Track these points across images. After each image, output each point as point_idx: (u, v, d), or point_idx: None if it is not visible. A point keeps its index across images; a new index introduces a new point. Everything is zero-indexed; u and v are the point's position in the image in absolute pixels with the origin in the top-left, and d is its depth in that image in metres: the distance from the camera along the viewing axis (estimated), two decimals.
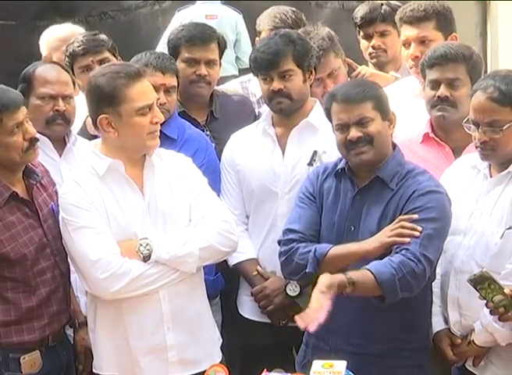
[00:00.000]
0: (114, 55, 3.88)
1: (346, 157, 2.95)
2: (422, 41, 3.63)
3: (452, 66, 3.18)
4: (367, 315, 2.89)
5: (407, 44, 3.68)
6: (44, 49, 4.30)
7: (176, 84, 3.49)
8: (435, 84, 3.20)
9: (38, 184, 3.01)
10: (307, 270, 2.90)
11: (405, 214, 2.84)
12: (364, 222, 2.90)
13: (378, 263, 2.78)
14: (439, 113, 3.20)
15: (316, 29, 3.67)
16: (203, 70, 3.64)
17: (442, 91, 3.18)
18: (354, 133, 2.88)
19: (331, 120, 2.98)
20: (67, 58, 3.84)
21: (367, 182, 2.93)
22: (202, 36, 3.68)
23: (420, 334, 2.97)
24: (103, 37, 3.91)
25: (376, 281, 2.74)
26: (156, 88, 3.28)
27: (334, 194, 2.97)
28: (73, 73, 3.74)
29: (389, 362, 2.90)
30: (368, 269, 2.76)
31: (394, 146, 3.00)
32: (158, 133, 2.94)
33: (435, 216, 2.84)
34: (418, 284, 2.81)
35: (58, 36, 4.26)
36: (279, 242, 3.02)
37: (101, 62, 3.79)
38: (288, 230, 2.99)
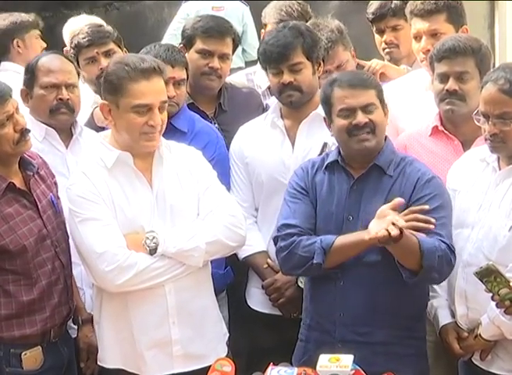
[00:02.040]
0: (119, 47, 3.87)
1: (345, 143, 2.93)
2: (433, 34, 3.61)
3: (461, 59, 3.15)
4: (375, 304, 2.88)
5: (418, 37, 3.65)
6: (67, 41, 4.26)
7: (185, 77, 3.46)
8: (443, 78, 3.18)
9: (36, 176, 2.99)
10: (314, 261, 2.86)
11: (414, 203, 2.83)
12: (363, 211, 2.89)
13: (422, 235, 2.78)
14: (448, 107, 3.18)
15: (326, 21, 3.66)
16: (216, 63, 3.62)
17: (451, 84, 3.16)
18: (362, 118, 2.88)
19: (329, 106, 2.95)
20: (72, 50, 3.83)
21: (364, 171, 2.92)
22: (219, 29, 3.66)
23: (422, 323, 2.98)
24: (108, 28, 3.91)
25: (419, 245, 2.73)
26: (165, 81, 3.26)
27: (328, 187, 2.96)
28: (78, 65, 3.73)
29: (396, 350, 2.89)
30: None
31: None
32: (155, 136, 2.89)
33: (443, 203, 2.87)
34: (448, 272, 2.84)
35: (73, 29, 4.26)
36: (276, 238, 2.98)
37: (106, 53, 3.79)
38: (284, 226, 2.95)
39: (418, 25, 3.65)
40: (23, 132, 2.89)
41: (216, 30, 3.64)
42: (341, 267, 2.89)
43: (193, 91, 3.60)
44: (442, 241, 2.79)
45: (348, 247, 2.85)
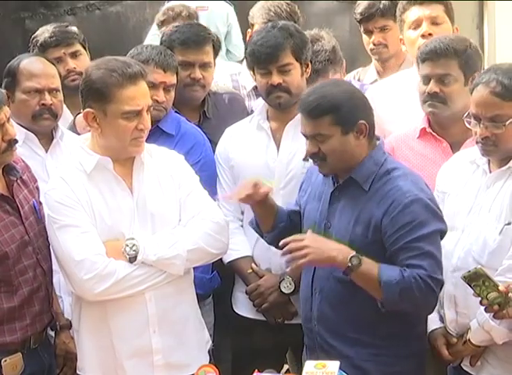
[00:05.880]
0: (85, 49, 3.84)
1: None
2: (434, 22, 3.60)
3: (443, 61, 3.11)
4: (345, 320, 2.82)
5: (416, 24, 3.63)
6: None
7: (175, 82, 3.41)
8: (425, 79, 3.15)
9: (19, 181, 2.94)
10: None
11: (392, 235, 2.71)
12: (338, 220, 2.82)
13: (388, 266, 2.71)
14: (429, 109, 3.15)
15: (322, 39, 3.58)
16: (197, 74, 3.55)
17: (431, 86, 3.12)
18: (310, 148, 2.81)
19: None
20: (36, 49, 3.78)
21: (341, 182, 2.85)
22: (197, 38, 3.57)
23: (409, 341, 2.86)
24: (75, 29, 3.88)
25: (378, 278, 2.67)
26: (156, 86, 3.22)
27: (319, 191, 2.91)
28: None
29: (369, 366, 2.82)
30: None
31: (377, 139, 2.88)
32: (143, 140, 2.87)
33: (429, 229, 2.71)
34: (426, 301, 2.74)
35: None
36: None
37: (72, 54, 3.76)
38: None
39: (418, 12, 3.64)
40: (11, 142, 2.84)
41: (193, 40, 3.55)
42: (315, 279, 2.86)
43: (176, 102, 3.52)
44: (420, 273, 2.67)
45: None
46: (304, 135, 2.84)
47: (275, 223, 2.99)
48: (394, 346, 2.83)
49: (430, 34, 3.49)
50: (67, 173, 2.87)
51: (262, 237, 3.09)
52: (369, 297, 2.75)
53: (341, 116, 2.75)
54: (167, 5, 4.71)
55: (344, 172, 2.83)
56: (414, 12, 3.64)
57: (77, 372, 2.97)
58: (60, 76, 3.37)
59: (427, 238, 2.71)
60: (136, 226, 2.86)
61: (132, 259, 2.81)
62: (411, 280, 2.68)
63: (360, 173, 2.80)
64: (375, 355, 2.82)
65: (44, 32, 3.80)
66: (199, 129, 3.51)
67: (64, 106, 3.43)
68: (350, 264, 2.66)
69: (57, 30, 3.79)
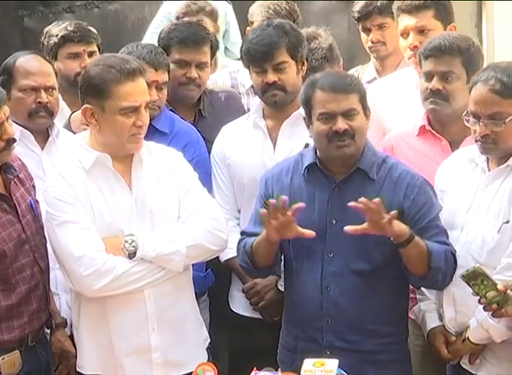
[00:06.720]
0: (99, 51, 3.83)
1: (324, 148, 2.86)
2: (421, 31, 3.58)
3: (447, 58, 3.11)
4: (363, 312, 2.85)
5: (405, 34, 3.63)
6: None
7: (167, 80, 3.41)
8: (428, 76, 3.14)
9: (16, 179, 2.93)
10: (239, 262, 2.98)
11: (413, 216, 2.82)
12: (348, 215, 2.81)
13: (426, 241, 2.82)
14: (431, 106, 3.15)
15: (319, 37, 3.58)
16: (193, 73, 3.55)
17: (434, 83, 3.12)
18: (342, 124, 2.80)
19: (309, 108, 2.88)
20: (55, 40, 3.76)
21: (346, 175, 2.86)
22: (195, 38, 3.57)
23: (403, 326, 2.96)
24: (94, 30, 3.87)
25: (427, 248, 2.77)
26: (148, 85, 3.21)
27: (307, 194, 2.90)
28: (55, 58, 3.70)
29: (383, 357, 2.87)
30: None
31: None
32: (142, 137, 2.87)
33: (438, 208, 2.88)
34: (452, 273, 2.85)
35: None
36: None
37: (90, 54, 3.76)
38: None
39: (406, 21, 3.62)
40: (9, 141, 2.83)
41: (192, 39, 3.55)
42: (325, 276, 2.86)
43: (171, 100, 3.53)
44: (448, 248, 2.83)
45: (261, 246, 2.86)
46: (330, 115, 2.80)
47: (278, 257, 2.95)
48: (400, 332, 2.92)
49: (416, 46, 3.49)
50: (66, 170, 2.87)
51: (255, 272, 3.02)
52: (385, 286, 2.83)
53: (364, 96, 2.87)
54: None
55: (350, 161, 2.84)
56: (403, 21, 3.63)
57: (77, 369, 2.98)
58: (56, 74, 3.36)
59: (438, 216, 2.87)
60: (135, 223, 2.86)
61: (131, 255, 2.82)
62: (445, 253, 2.82)
63: (365, 163, 2.86)
64: (388, 343, 2.87)
65: (66, 25, 3.79)
66: (193, 127, 3.51)
67: (64, 103, 3.43)
68: (411, 232, 2.75)
69: (80, 26, 3.80)
